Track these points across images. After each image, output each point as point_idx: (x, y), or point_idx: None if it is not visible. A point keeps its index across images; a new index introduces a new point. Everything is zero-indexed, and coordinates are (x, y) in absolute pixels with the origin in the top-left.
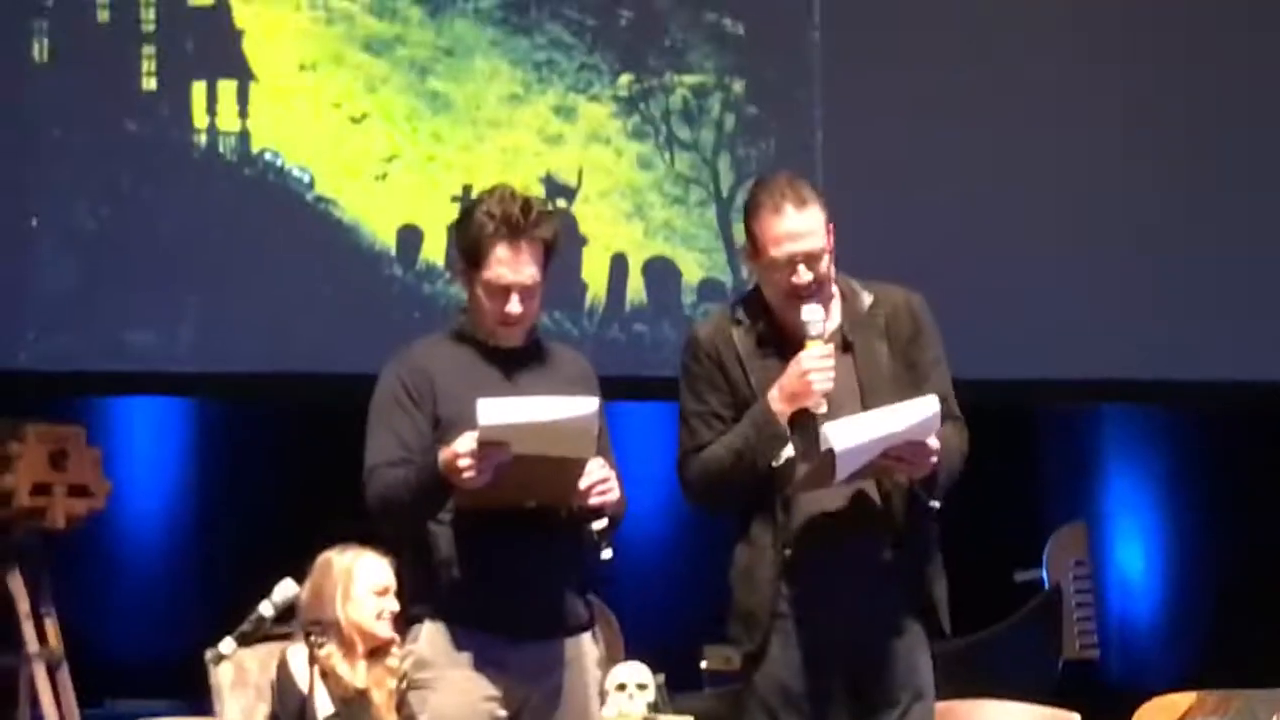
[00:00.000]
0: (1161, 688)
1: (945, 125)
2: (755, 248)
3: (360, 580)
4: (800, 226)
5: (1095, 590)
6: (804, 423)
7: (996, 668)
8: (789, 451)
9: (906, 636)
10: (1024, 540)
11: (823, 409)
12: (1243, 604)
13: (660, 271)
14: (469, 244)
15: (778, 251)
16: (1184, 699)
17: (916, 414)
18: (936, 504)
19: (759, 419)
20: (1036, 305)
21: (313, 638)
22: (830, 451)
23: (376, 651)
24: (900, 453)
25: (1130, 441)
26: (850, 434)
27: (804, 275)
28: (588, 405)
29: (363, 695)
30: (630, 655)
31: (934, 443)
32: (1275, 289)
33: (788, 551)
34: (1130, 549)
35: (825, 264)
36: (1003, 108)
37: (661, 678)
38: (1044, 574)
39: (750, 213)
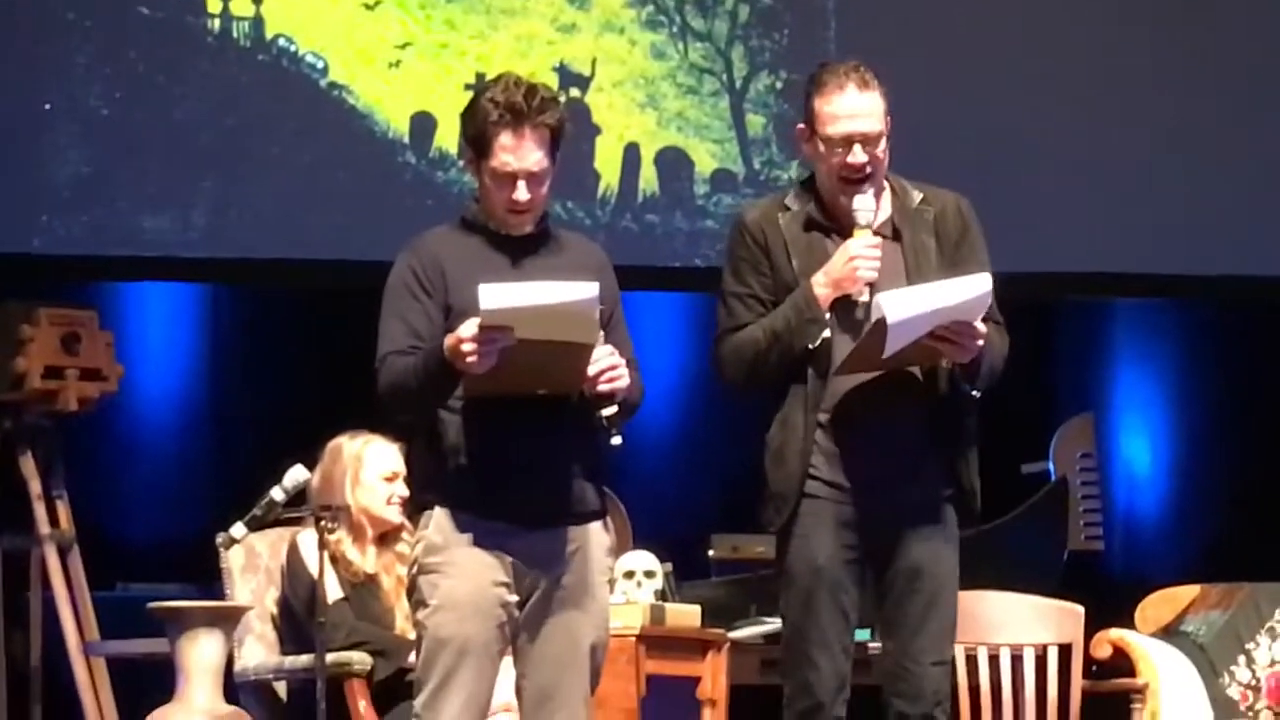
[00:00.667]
0: (1165, 580)
1: (960, 18)
2: (812, 126)
3: (370, 466)
4: (860, 107)
5: (1101, 483)
6: (845, 309)
7: (1002, 559)
8: (827, 334)
9: (937, 518)
10: (1032, 432)
11: (865, 297)
12: (1247, 499)
13: (673, 162)
14: (475, 132)
15: (835, 129)
16: (1187, 592)
17: (969, 290)
18: (977, 393)
19: (800, 302)
20: (1048, 199)
21: (323, 523)
22: (882, 322)
23: (386, 537)
24: (947, 332)
25: (1140, 335)
26: (903, 305)
27: (859, 156)
28: (588, 290)
29: (372, 580)
30: (638, 544)
31: (981, 326)
32: None
33: (823, 430)
34: (1137, 443)
35: (881, 149)
36: (1015, 4)
37: (669, 566)
38: (1051, 466)
39: (813, 91)
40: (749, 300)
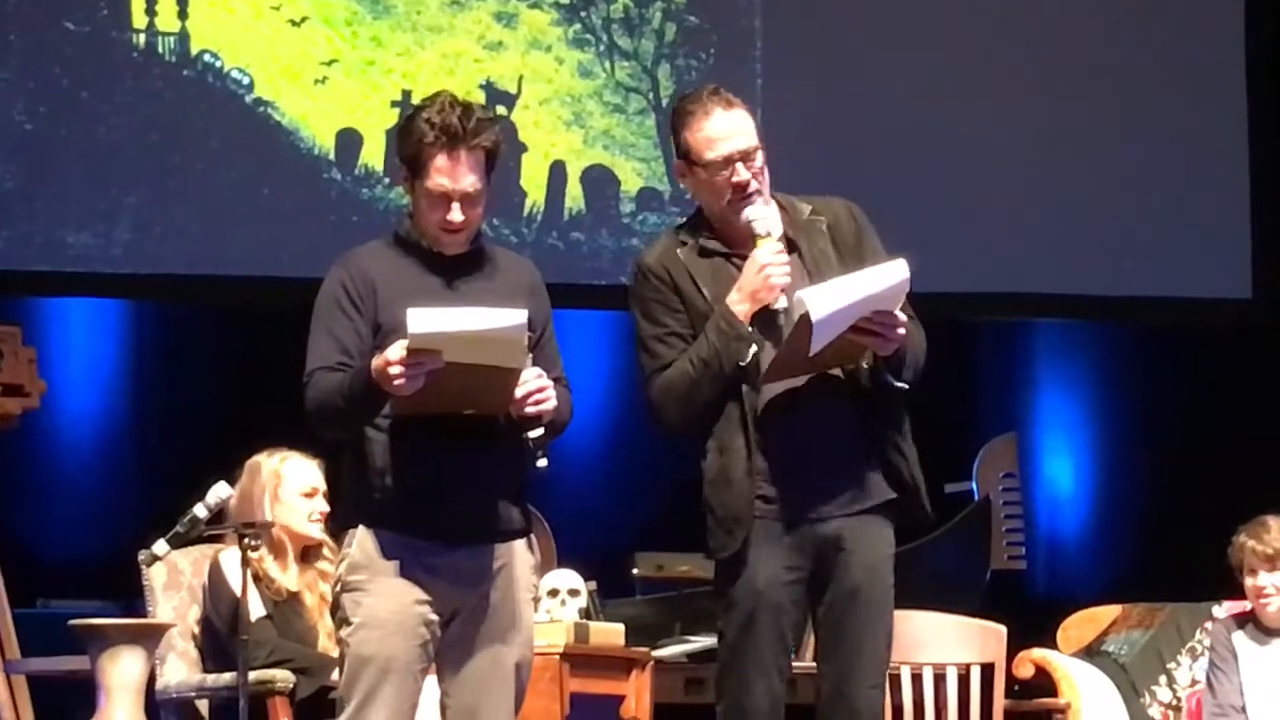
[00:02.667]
0: (1087, 600)
1: (885, 38)
2: (689, 159)
3: (289, 482)
4: (731, 126)
5: (1024, 503)
6: (765, 320)
7: (925, 578)
8: (755, 350)
9: (878, 538)
10: (955, 452)
11: (782, 304)
12: (1168, 519)
13: (599, 180)
14: (410, 152)
15: (713, 153)
16: (1109, 611)
17: (888, 278)
18: (904, 385)
19: (722, 324)
20: (970, 219)
21: (245, 540)
22: (806, 318)
23: (308, 554)
24: (868, 324)
25: (1061, 356)
26: (825, 300)
27: (742, 173)
28: (516, 317)
29: (295, 597)
30: (562, 562)
31: (901, 315)
32: (1205, 206)
33: (761, 448)
34: (1059, 463)
35: (760, 163)
36: (944, 22)
37: (593, 584)
38: (974, 486)
39: (680, 125)
40: (669, 339)
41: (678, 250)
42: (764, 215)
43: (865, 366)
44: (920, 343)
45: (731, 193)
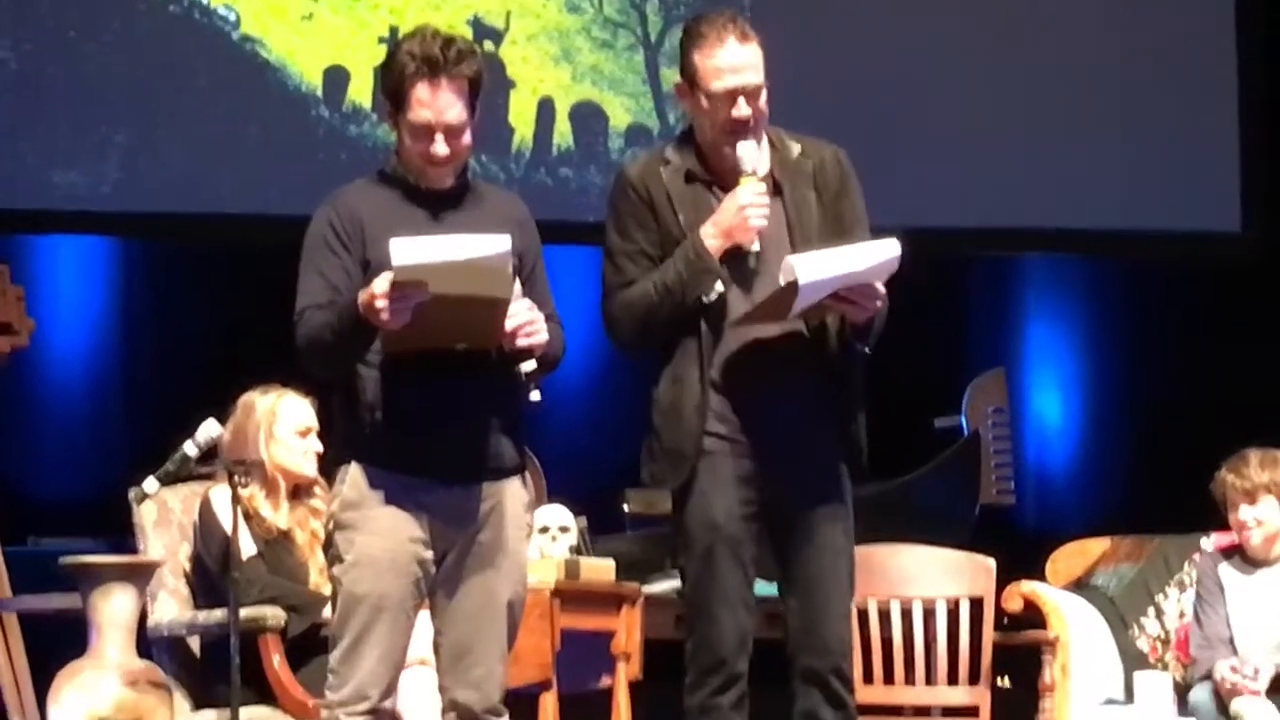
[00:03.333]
0: (1076, 533)
1: None
2: (693, 81)
3: (283, 420)
4: (742, 59)
5: (1013, 437)
6: (736, 261)
7: (914, 513)
8: (720, 287)
9: (832, 473)
10: (944, 387)
11: (756, 247)
12: (1156, 451)
13: (587, 116)
14: (392, 85)
15: (719, 84)
16: (1097, 544)
17: (879, 255)
18: (867, 350)
19: (691, 254)
20: (959, 154)
21: (236, 478)
22: (794, 285)
23: (299, 492)
24: (849, 294)
25: (1050, 290)
26: (816, 269)
27: (743, 109)
28: (500, 243)
29: (285, 535)
30: (552, 498)
31: (881, 288)
32: (1194, 140)
33: (716, 383)
34: (1048, 397)
35: (763, 101)
36: None
37: (583, 521)
38: (963, 420)
39: (691, 44)
40: (636, 256)
41: (661, 169)
42: (755, 154)
43: (830, 323)
44: (885, 308)
45: (729, 126)
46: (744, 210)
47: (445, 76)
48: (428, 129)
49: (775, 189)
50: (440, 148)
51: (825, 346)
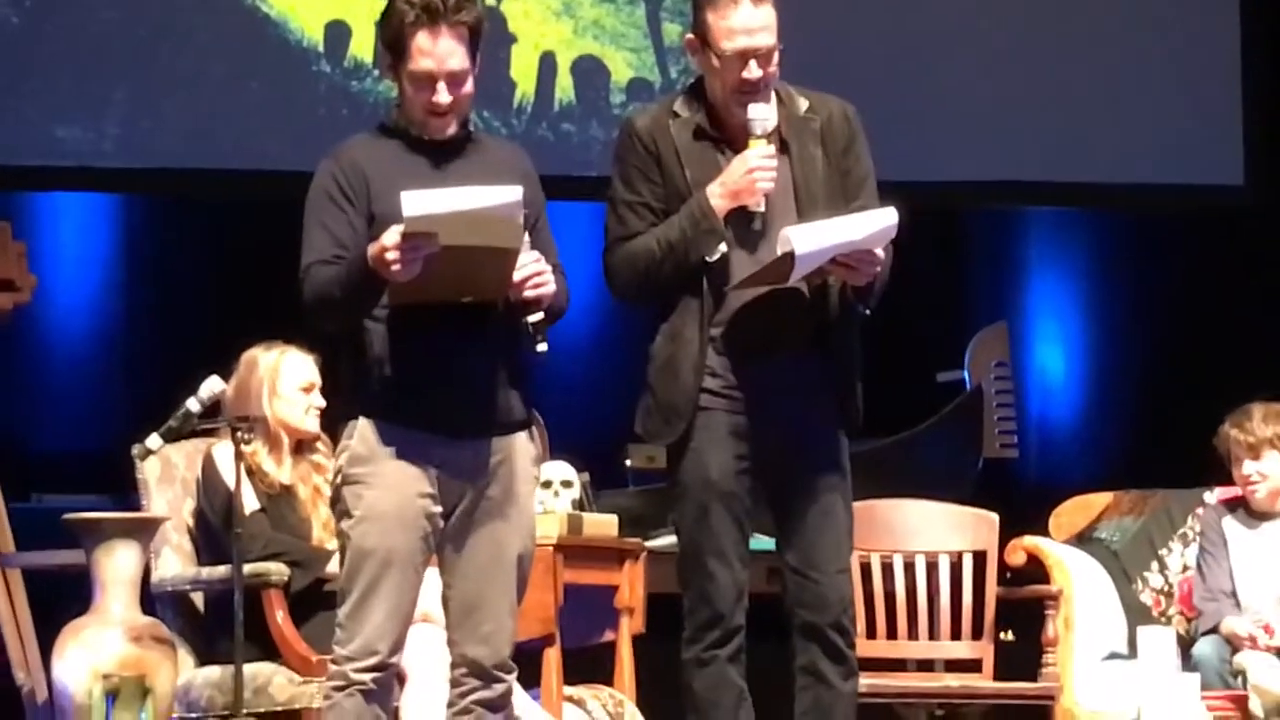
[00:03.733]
0: (1079, 487)
1: None
2: (704, 39)
3: (286, 376)
4: (756, 21)
5: (1016, 391)
6: (740, 221)
7: (917, 467)
8: (723, 248)
9: (829, 432)
10: (947, 341)
11: (761, 208)
12: (1160, 405)
13: (589, 70)
14: (391, 36)
15: (731, 44)
16: (1100, 498)
17: (876, 224)
18: (868, 311)
19: (696, 212)
20: (962, 107)
21: (239, 434)
22: (790, 255)
23: (301, 447)
24: (848, 259)
25: (1053, 244)
26: (813, 239)
27: (754, 71)
28: (511, 194)
29: (288, 490)
30: (555, 453)
31: (881, 253)
32: (1196, 92)
33: (715, 341)
34: (1051, 350)
35: (775, 64)
36: None
37: (586, 476)
38: (966, 374)
39: (704, 3)
40: (640, 208)
41: (670, 122)
42: (765, 116)
43: (832, 285)
44: (888, 270)
45: (739, 86)
46: (752, 173)
47: (445, 24)
48: (429, 77)
49: (782, 146)
50: (443, 96)
51: (825, 308)
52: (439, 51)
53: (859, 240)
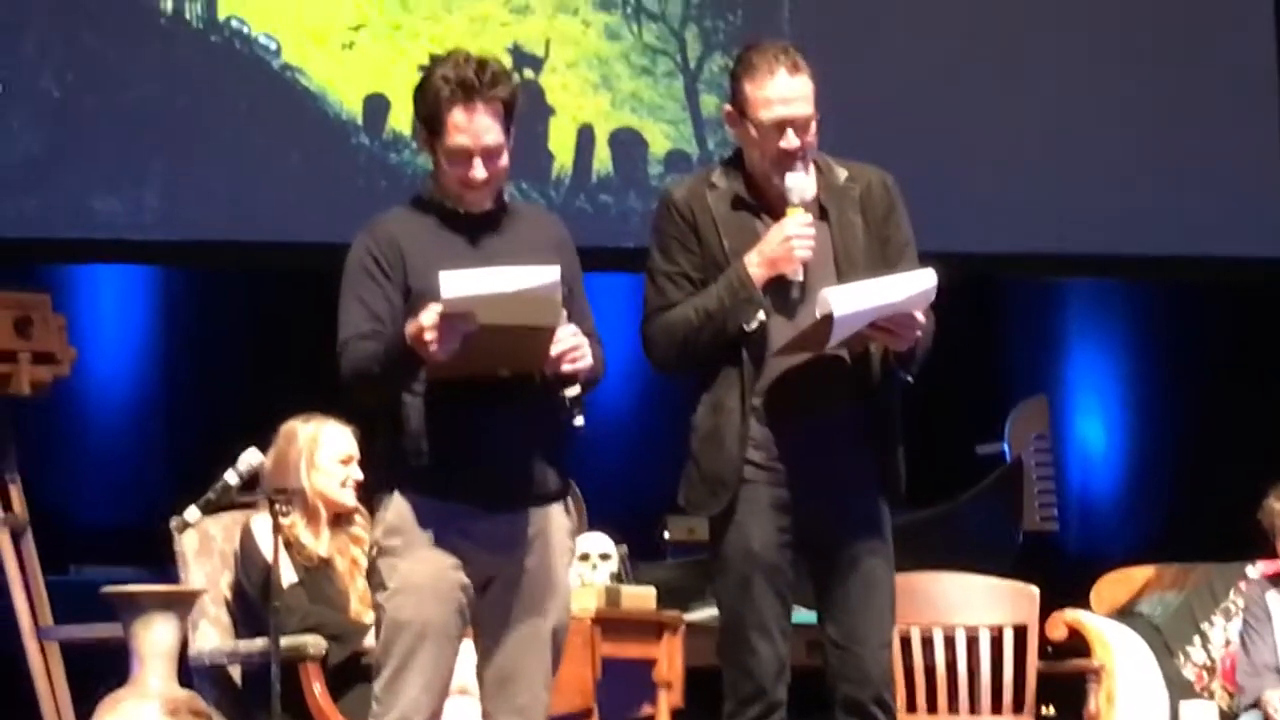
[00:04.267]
0: (1120, 561)
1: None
2: (742, 110)
3: (325, 448)
4: (792, 91)
5: (1056, 463)
6: (779, 290)
7: (957, 540)
8: (761, 316)
9: (871, 502)
10: (986, 413)
11: (799, 277)
12: (1201, 478)
13: (626, 142)
14: (427, 111)
15: (768, 114)
16: (1141, 572)
17: (915, 286)
18: (910, 378)
19: (735, 282)
20: (1002, 179)
21: (277, 506)
22: (829, 317)
23: (339, 519)
24: (888, 323)
25: (1092, 316)
26: (851, 301)
27: (791, 141)
28: (549, 274)
29: (326, 563)
30: (593, 526)
31: (921, 317)
32: (1236, 164)
33: (757, 411)
34: (1091, 423)
35: (812, 133)
36: None
37: (624, 548)
38: (1006, 447)
39: (742, 73)
40: (678, 279)
41: (707, 192)
42: (803, 185)
43: (874, 351)
44: (929, 336)
45: (777, 156)
46: (789, 241)
47: (481, 100)
48: (465, 153)
49: (821, 214)
50: (479, 171)
51: (868, 375)
52: (475, 127)
53: (899, 302)
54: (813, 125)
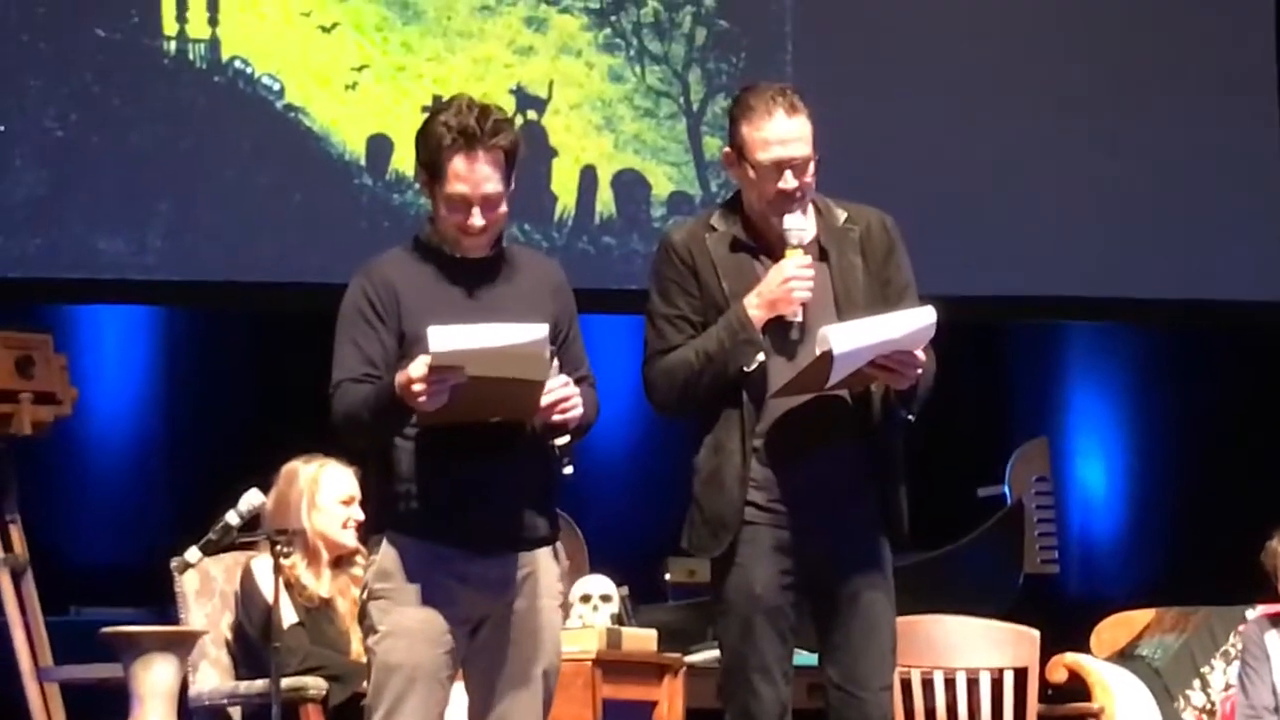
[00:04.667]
0: (1121, 603)
1: (916, 42)
2: (740, 152)
3: (326, 489)
4: (790, 132)
5: (1057, 506)
6: (778, 331)
7: (958, 582)
8: (761, 357)
9: (873, 544)
10: (988, 456)
11: (799, 318)
12: (1202, 521)
13: (629, 184)
14: (428, 157)
15: (765, 155)
16: (1142, 615)
17: (914, 323)
18: (912, 417)
19: (734, 323)
20: (1002, 221)
21: (278, 547)
22: (828, 354)
23: (341, 560)
24: (888, 361)
25: (1093, 358)
26: (850, 338)
27: (789, 182)
28: (537, 331)
29: (327, 604)
30: (594, 568)
31: (921, 355)
32: (1238, 208)
33: (758, 452)
34: (1092, 465)
35: (810, 174)
36: (975, 25)
37: (625, 590)
38: (1007, 489)
39: (740, 115)
40: (678, 321)
41: (707, 235)
42: (801, 226)
43: (875, 391)
44: (931, 370)
45: (775, 197)
46: (788, 282)
47: (482, 148)
48: (464, 201)
49: (821, 255)
50: (477, 219)
51: (869, 415)
52: (475, 176)
53: (898, 339)
54: (811, 166)
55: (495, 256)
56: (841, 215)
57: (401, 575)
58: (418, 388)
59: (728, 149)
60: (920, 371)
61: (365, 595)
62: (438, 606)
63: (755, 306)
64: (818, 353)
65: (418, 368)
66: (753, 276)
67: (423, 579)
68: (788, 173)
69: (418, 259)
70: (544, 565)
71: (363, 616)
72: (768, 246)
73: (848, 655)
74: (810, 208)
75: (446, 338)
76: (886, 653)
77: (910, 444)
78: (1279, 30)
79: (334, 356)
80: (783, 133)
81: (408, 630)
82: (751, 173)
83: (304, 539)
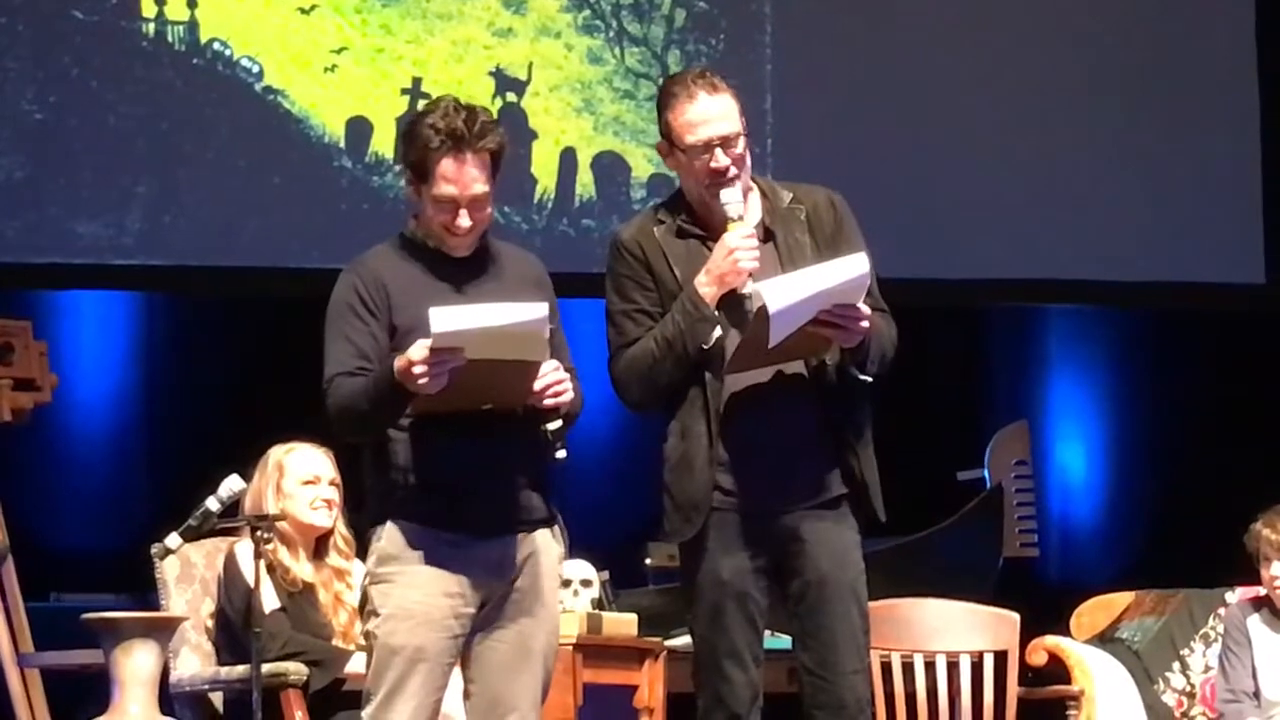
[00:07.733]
0: (1100, 587)
1: (895, 25)
2: (671, 139)
3: (291, 472)
4: (713, 110)
5: (1036, 490)
6: (732, 305)
7: (937, 566)
8: (718, 333)
9: (843, 528)
10: (967, 439)
11: (750, 289)
12: (1181, 504)
13: (609, 166)
14: (415, 158)
15: (693, 137)
16: (1121, 598)
17: (847, 271)
18: (868, 378)
19: (687, 304)
20: (981, 205)
21: (259, 532)
22: (764, 310)
23: (320, 548)
24: (831, 316)
25: (1073, 342)
26: (783, 292)
27: (721, 159)
28: (537, 310)
29: (309, 589)
30: (574, 552)
31: (865, 308)
32: (1217, 190)
33: (723, 437)
34: (1072, 449)
35: (741, 147)
36: (954, 10)
37: (605, 575)
38: (986, 473)
39: (664, 105)
40: (637, 315)
41: (654, 228)
42: (737, 199)
43: (830, 362)
44: (889, 335)
45: (709, 177)
46: (733, 253)
47: (470, 151)
48: (452, 202)
49: (767, 236)
50: (463, 220)
51: (825, 382)
52: (464, 179)
53: (831, 289)
54: (741, 141)
55: (479, 252)
56: (787, 196)
57: (403, 558)
58: (418, 369)
59: (661, 141)
60: (867, 325)
61: (367, 580)
62: (440, 590)
63: (705, 284)
64: (751, 311)
65: (418, 350)
66: (703, 261)
67: (425, 562)
68: (718, 150)
69: (405, 255)
70: (545, 546)
71: (363, 603)
72: (714, 231)
73: (819, 640)
74: (756, 192)
75: (447, 318)
76: (859, 635)
77: (889, 429)
78: (1258, 12)
79: (325, 352)
80: (706, 112)
81: (410, 613)
82: (684, 157)
83: (277, 525)
